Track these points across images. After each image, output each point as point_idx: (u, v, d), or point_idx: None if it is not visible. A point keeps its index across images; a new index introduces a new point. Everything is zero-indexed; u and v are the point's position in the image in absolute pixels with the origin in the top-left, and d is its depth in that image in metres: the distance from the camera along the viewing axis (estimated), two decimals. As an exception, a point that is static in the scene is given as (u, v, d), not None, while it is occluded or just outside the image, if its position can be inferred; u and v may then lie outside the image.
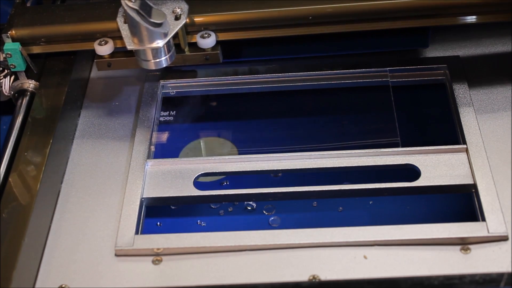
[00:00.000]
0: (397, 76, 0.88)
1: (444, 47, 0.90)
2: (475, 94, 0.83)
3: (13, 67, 0.86)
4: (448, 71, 0.86)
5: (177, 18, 0.80)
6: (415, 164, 0.77)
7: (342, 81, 0.88)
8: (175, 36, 0.81)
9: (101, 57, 0.85)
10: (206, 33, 0.83)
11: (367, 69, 0.88)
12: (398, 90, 0.87)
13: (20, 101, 0.86)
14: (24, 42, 0.85)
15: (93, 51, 0.92)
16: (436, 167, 0.77)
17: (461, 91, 0.83)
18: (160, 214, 0.82)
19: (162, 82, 0.90)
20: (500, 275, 0.67)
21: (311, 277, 0.68)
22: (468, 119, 0.80)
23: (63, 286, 0.70)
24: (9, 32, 0.85)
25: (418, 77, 0.88)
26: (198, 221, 0.81)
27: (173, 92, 0.90)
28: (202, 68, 0.91)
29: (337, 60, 0.90)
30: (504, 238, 0.69)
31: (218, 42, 0.84)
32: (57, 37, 0.86)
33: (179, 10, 0.80)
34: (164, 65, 0.81)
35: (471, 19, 0.83)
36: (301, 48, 0.91)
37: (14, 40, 0.85)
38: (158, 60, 0.81)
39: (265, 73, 0.89)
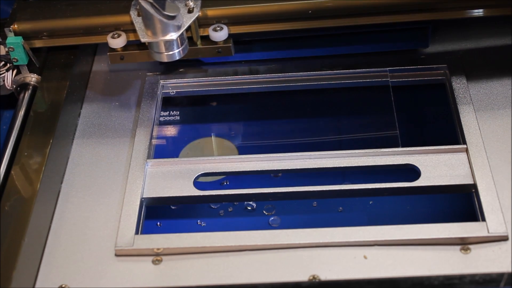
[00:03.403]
0: (397, 76, 0.88)
1: (444, 47, 0.90)
2: (475, 94, 0.83)
3: (15, 61, 0.86)
4: (448, 71, 0.86)
5: (190, 11, 0.81)
6: (415, 164, 0.77)
7: (342, 81, 0.88)
8: (188, 29, 0.81)
9: (113, 50, 0.85)
10: (218, 26, 0.83)
11: (367, 69, 0.88)
12: (398, 90, 0.87)
13: (22, 95, 0.87)
14: (26, 36, 0.86)
15: (95, 45, 0.92)
16: (436, 167, 0.77)
17: (461, 91, 0.83)
18: (160, 214, 0.82)
19: (162, 82, 0.90)
20: (500, 275, 0.67)
21: (311, 277, 0.68)
22: (468, 119, 0.80)
23: (63, 286, 0.70)
24: (12, 26, 0.85)
25: (418, 77, 0.88)
26: (198, 221, 0.81)
27: (173, 92, 0.90)
28: (202, 68, 0.91)
29: (337, 60, 0.90)
30: (504, 238, 0.69)
31: (230, 35, 0.84)
32: (59, 31, 0.86)
33: (192, 3, 0.81)
34: (177, 58, 0.82)
35: (472, 12, 0.83)
36: (302, 46, 0.91)
37: (16, 34, 0.86)
38: (171, 52, 0.81)
39: (265, 73, 0.89)
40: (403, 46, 0.90)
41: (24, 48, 0.86)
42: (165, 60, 0.82)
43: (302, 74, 0.89)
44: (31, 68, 0.88)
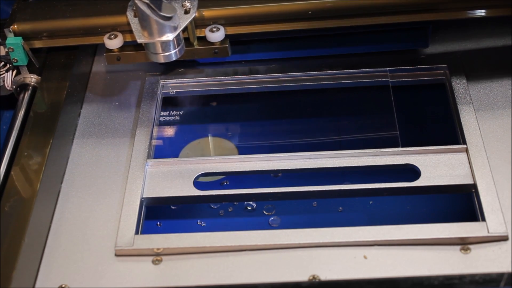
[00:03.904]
0: (397, 76, 0.88)
1: (444, 47, 0.90)
2: (475, 94, 0.83)
3: (15, 61, 0.86)
4: (448, 71, 0.86)
5: (186, 12, 0.81)
6: (415, 164, 0.77)
7: (342, 81, 0.88)
8: (184, 30, 0.81)
9: (110, 51, 0.85)
10: (215, 27, 0.83)
11: (367, 69, 0.88)
12: (398, 90, 0.87)
13: (22, 95, 0.87)
14: (26, 36, 0.86)
15: (95, 45, 0.93)
16: (436, 167, 0.77)
17: (461, 91, 0.83)
18: (160, 214, 0.82)
19: (162, 82, 0.90)
20: (500, 275, 0.67)
21: (311, 277, 0.68)
22: (468, 119, 0.80)
23: (63, 286, 0.70)
24: (11, 27, 0.85)
25: (418, 77, 0.88)
26: (198, 221, 0.81)
27: (173, 92, 0.90)
28: (202, 68, 0.91)
29: (337, 60, 0.90)
30: (504, 238, 0.69)
31: (226, 36, 0.84)
32: (59, 32, 0.86)
33: (188, 4, 0.81)
34: (174, 59, 0.82)
35: (473, 13, 0.83)
36: (302, 46, 0.91)
37: (16, 34, 0.86)
38: (167, 53, 0.81)
39: (265, 73, 0.89)
40: (403, 46, 0.90)
41: (23, 48, 0.86)
42: (162, 60, 0.82)
43: (302, 74, 0.89)
44: (31, 69, 0.88)
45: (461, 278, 0.67)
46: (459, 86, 0.84)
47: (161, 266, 0.71)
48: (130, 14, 0.82)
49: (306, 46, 0.92)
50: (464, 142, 0.78)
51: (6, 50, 0.85)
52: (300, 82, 0.89)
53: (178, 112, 0.90)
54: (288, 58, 0.91)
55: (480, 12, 0.83)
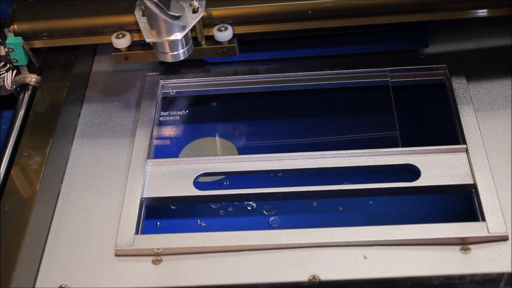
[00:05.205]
0: (397, 76, 0.88)
1: (444, 47, 0.90)
2: (475, 94, 0.83)
3: (15, 61, 0.86)
4: (448, 71, 0.86)
5: (194, 11, 0.81)
6: (415, 164, 0.77)
7: (342, 81, 0.88)
8: (192, 29, 0.81)
9: (118, 50, 0.85)
10: (223, 26, 0.83)
11: (367, 69, 0.88)
12: (398, 90, 0.87)
13: (22, 95, 0.87)
14: (26, 36, 0.86)
15: (95, 45, 0.92)
16: (436, 167, 0.77)
17: (461, 91, 0.83)
18: (160, 214, 0.82)
19: (162, 82, 0.90)
20: (500, 275, 0.67)
21: (311, 277, 0.68)
22: (468, 119, 0.80)
23: (63, 286, 0.70)
24: (11, 27, 0.86)
25: (418, 77, 0.88)
26: (198, 221, 0.81)
27: (173, 92, 0.90)
28: (202, 68, 0.91)
29: (337, 60, 0.90)
30: (504, 238, 0.69)
31: (234, 35, 0.84)
32: (59, 32, 0.86)
33: (196, 3, 0.81)
34: (182, 58, 0.82)
35: (472, 13, 0.83)
36: (302, 46, 0.91)
37: (16, 34, 0.86)
38: (175, 52, 0.81)
39: (265, 73, 0.89)
40: (403, 46, 0.90)
41: (24, 48, 0.86)
42: (170, 60, 0.82)
43: (302, 74, 0.89)
44: (31, 69, 0.88)
45: (461, 278, 0.67)
46: (459, 86, 0.84)
47: (161, 266, 0.71)
48: (138, 13, 0.82)
49: (306, 46, 0.92)
50: (464, 142, 0.78)
51: (6, 50, 0.86)
52: (300, 82, 0.89)
53: (178, 112, 0.90)
54: (288, 58, 0.91)
55: (481, 12, 0.83)
